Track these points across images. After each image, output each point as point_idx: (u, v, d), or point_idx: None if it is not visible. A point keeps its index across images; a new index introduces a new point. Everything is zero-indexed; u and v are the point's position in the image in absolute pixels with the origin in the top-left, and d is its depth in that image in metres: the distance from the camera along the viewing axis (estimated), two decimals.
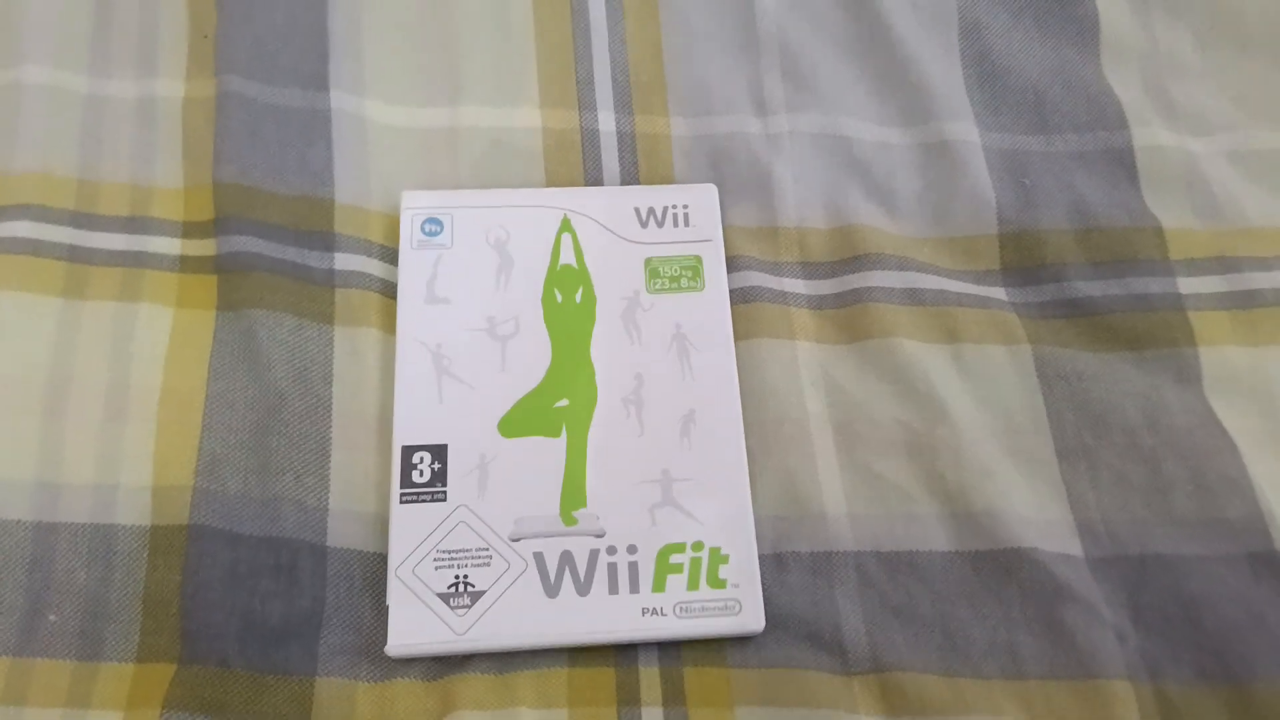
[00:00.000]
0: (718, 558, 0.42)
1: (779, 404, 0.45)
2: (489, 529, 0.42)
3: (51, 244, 0.46)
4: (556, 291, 0.47)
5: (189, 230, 0.47)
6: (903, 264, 0.48)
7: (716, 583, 0.42)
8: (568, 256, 0.47)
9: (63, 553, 0.41)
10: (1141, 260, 0.48)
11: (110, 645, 0.40)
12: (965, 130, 0.51)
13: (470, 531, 0.42)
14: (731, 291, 0.48)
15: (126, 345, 0.45)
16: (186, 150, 0.49)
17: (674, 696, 0.40)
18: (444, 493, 0.42)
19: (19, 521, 0.41)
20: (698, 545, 0.42)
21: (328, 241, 0.48)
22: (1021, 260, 0.49)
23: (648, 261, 0.47)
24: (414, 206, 0.48)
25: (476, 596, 0.41)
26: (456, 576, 0.41)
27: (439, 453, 0.43)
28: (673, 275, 0.47)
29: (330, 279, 0.47)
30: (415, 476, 0.43)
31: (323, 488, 0.43)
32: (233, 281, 0.46)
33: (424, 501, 0.42)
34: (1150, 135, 0.51)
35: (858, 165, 0.51)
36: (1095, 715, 0.39)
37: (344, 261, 0.47)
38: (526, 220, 0.48)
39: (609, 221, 0.48)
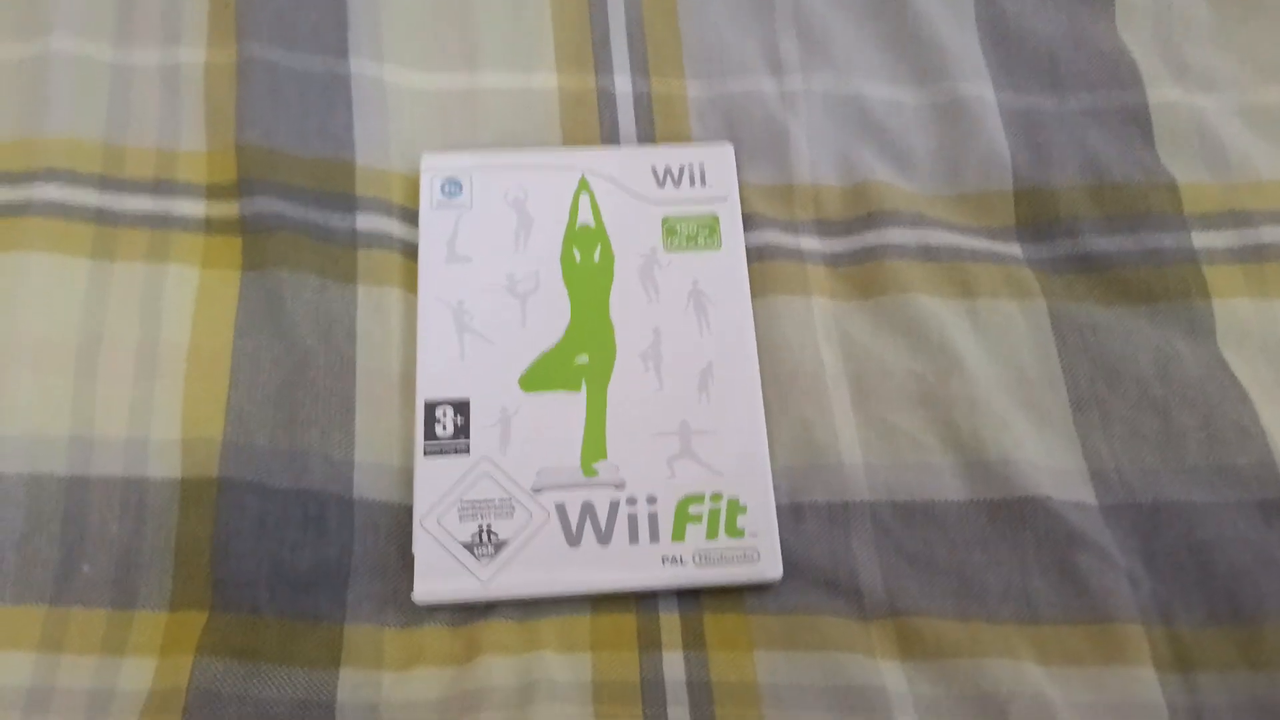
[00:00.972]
0: (736, 508, 0.43)
1: (794, 358, 0.46)
2: (511, 480, 0.43)
3: (80, 207, 0.47)
4: (575, 250, 0.47)
5: (213, 193, 0.48)
6: (917, 221, 0.48)
7: (735, 531, 0.42)
8: (585, 216, 0.48)
9: (96, 506, 0.42)
10: (1155, 215, 0.49)
11: (144, 594, 0.41)
12: (979, 89, 0.51)
13: (493, 483, 0.43)
14: (748, 249, 0.48)
15: (155, 305, 0.45)
16: (210, 115, 0.50)
17: (694, 641, 0.41)
18: (467, 445, 0.43)
19: (53, 475, 0.42)
20: (716, 496, 0.43)
21: (349, 203, 0.48)
22: (1036, 216, 0.49)
23: (665, 220, 0.48)
24: (434, 168, 0.48)
25: (500, 546, 0.42)
26: (480, 526, 0.42)
27: (461, 407, 0.44)
28: (690, 234, 0.48)
29: (353, 239, 0.48)
30: (439, 430, 0.43)
31: (348, 442, 0.44)
32: (257, 242, 0.47)
33: (447, 454, 0.43)
34: (1163, 93, 0.52)
35: (872, 124, 0.51)
36: (1108, 657, 0.40)
37: (365, 222, 0.48)
38: (544, 180, 0.48)
39: (626, 181, 0.49)
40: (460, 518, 0.42)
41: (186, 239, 0.47)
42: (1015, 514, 0.43)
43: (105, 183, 0.48)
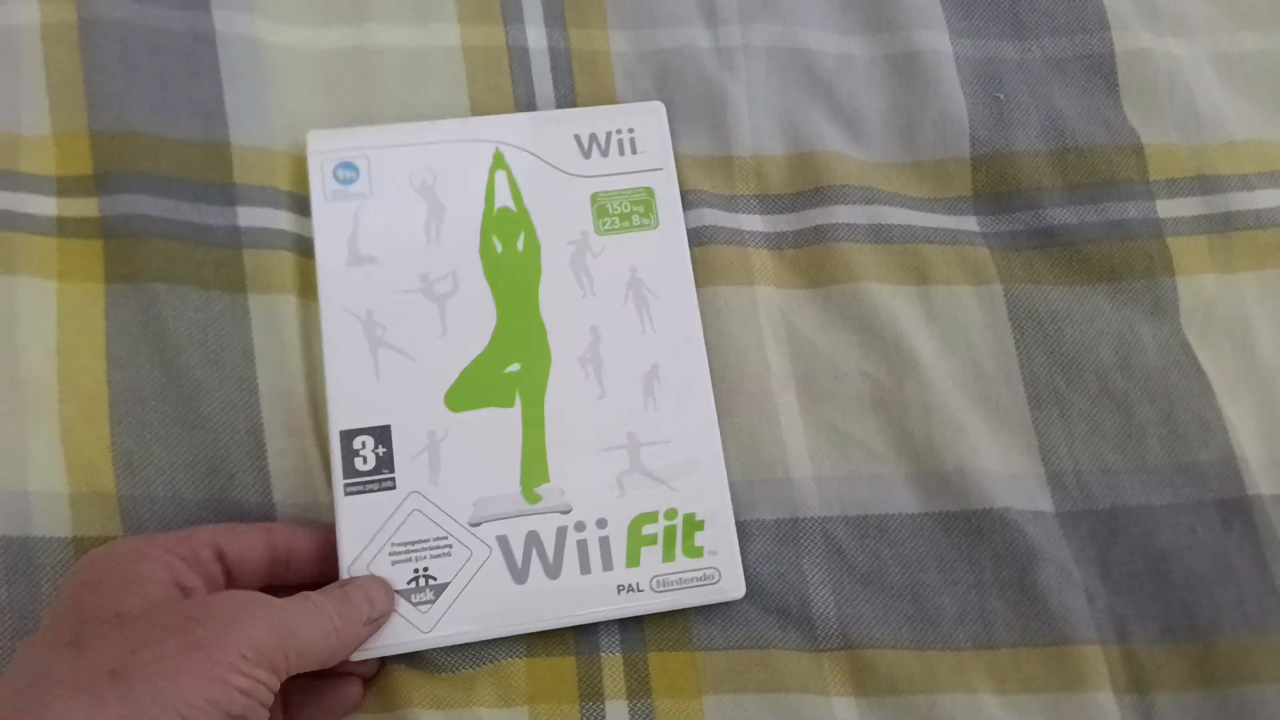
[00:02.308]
0: (693, 524, 0.40)
1: (739, 359, 0.42)
2: (446, 515, 0.39)
3: None
4: (495, 240, 0.42)
5: (64, 187, 0.41)
6: (868, 196, 0.44)
7: (693, 551, 0.39)
8: (504, 198, 0.42)
9: None
10: (1120, 183, 0.45)
11: None
12: (935, 39, 0.46)
13: (425, 520, 0.39)
14: (686, 232, 0.43)
15: (10, 330, 0.39)
16: (51, 88, 0.42)
17: (639, 687, 0.38)
18: (392, 480, 0.39)
19: None
20: (671, 513, 0.40)
21: (228, 194, 0.42)
22: (995, 186, 0.45)
23: (594, 198, 0.43)
24: (323, 149, 0.42)
25: (440, 590, 0.38)
26: (416, 570, 0.38)
27: (382, 435, 0.39)
28: (623, 212, 0.43)
29: (236, 239, 0.41)
30: (359, 464, 0.39)
31: (263, 483, 0.39)
32: (123, 249, 0.41)
33: (371, 491, 0.39)
34: (1132, 38, 0.47)
35: (819, 83, 0.46)
36: (1066, 682, 0.39)
37: (249, 217, 0.42)
38: (454, 157, 0.42)
39: (547, 153, 0.43)
40: (393, 562, 0.38)
41: (37, 244, 0.40)
42: (972, 527, 0.41)
43: None
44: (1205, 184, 0.46)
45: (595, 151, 0.43)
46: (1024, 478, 0.41)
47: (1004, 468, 0.41)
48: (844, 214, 0.44)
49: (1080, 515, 0.41)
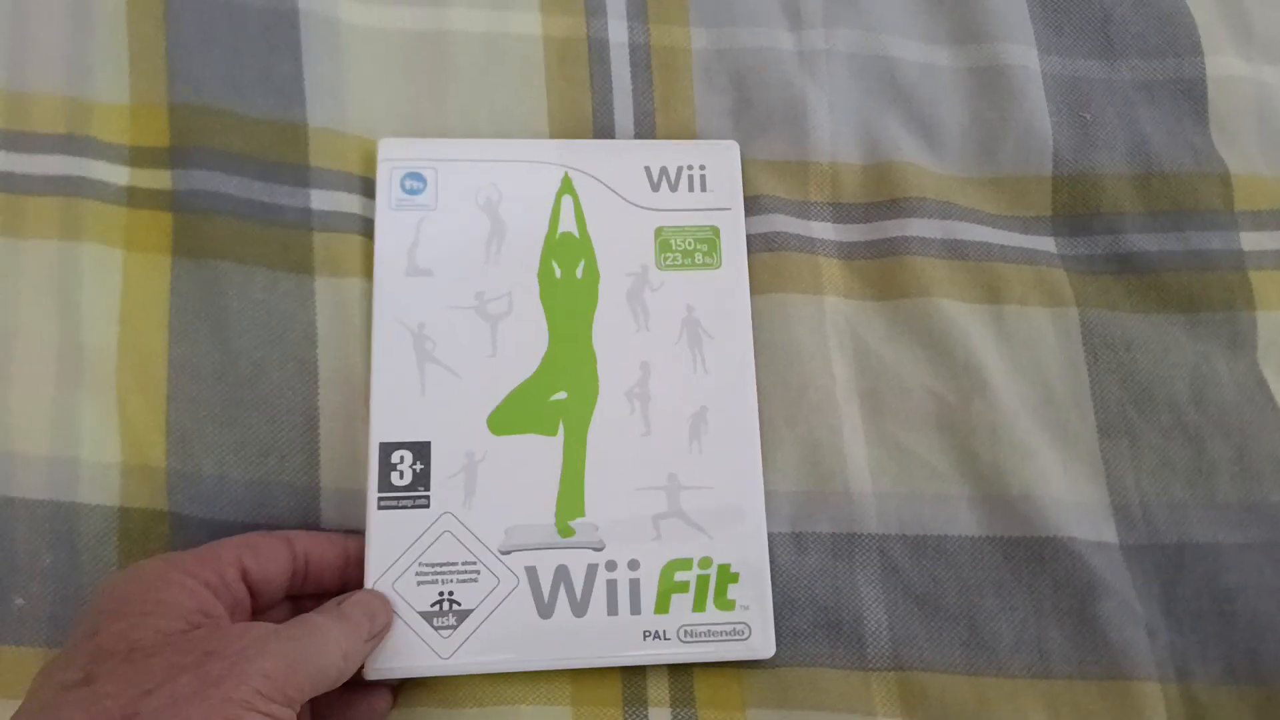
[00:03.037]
0: (727, 575, 0.39)
1: (804, 368, 0.41)
2: (476, 540, 0.38)
3: None
4: (555, 265, 0.41)
5: (137, 157, 0.41)
6: (944, 210, 0.43)
7: (725, 604, 0.38)
8: (568, 223, 0.42)
9: (23, 532, 0.37)
10: (1204, 212, 0.44)
11: None
12: (1023, 54, 0.45)
13: (456, 542, 0.38)
14: (753, 237, 0.43)
15: (74, 296, 0.39)
16: (133, 59, 0.42)
17: (683, 698, 0.38)
18: (426, 498, 0.38)
19: None
20: (705, 561, 0.39)
21: (302, 175, 0.41)
22: (1075, 207, 0.44)
23: (658, 232, 0.42)
24: (393, 158, 0.41)
25: (463, 616, 0.37)
26: (441, 593, 0.37)
27: (421, 452, 0.39)
28: (686, 249, 0.42)
29: (307, 220, 0.41)
30: (395, 479, 0.38)
31: (312, 466, 0.39)
32: (193, 225, 0.40)
33: (404, 508, 0.38)
34: (1224, 64, 0.46)
35: (900, 92, 0.45)
36: (1123, 717, 0.37)
37: (322, 199, 0.41)
38: (521, 178, 0.42)
39: (615, 183, 0.42)
40: (419, 582, 0.37)
41: (104, 211, 0.40)
42: (1034, 555, 0.39)
43: (9, 139, 0.40)
44: None
45: (665, 185, 0.42)
46: (1089, 507, 0.40)
47: (1070, 496, 0.40)
48: (918, 227, 0.43)
49: (1145, 549, 0.40)
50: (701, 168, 0.43)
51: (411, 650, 0.37)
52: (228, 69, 0.42)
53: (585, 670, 0.38)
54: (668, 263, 0.42)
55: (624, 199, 0.42)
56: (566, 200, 0.42)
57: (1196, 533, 0.40)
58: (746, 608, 0.38)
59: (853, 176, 0.44)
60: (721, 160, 0.43)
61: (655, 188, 0.42)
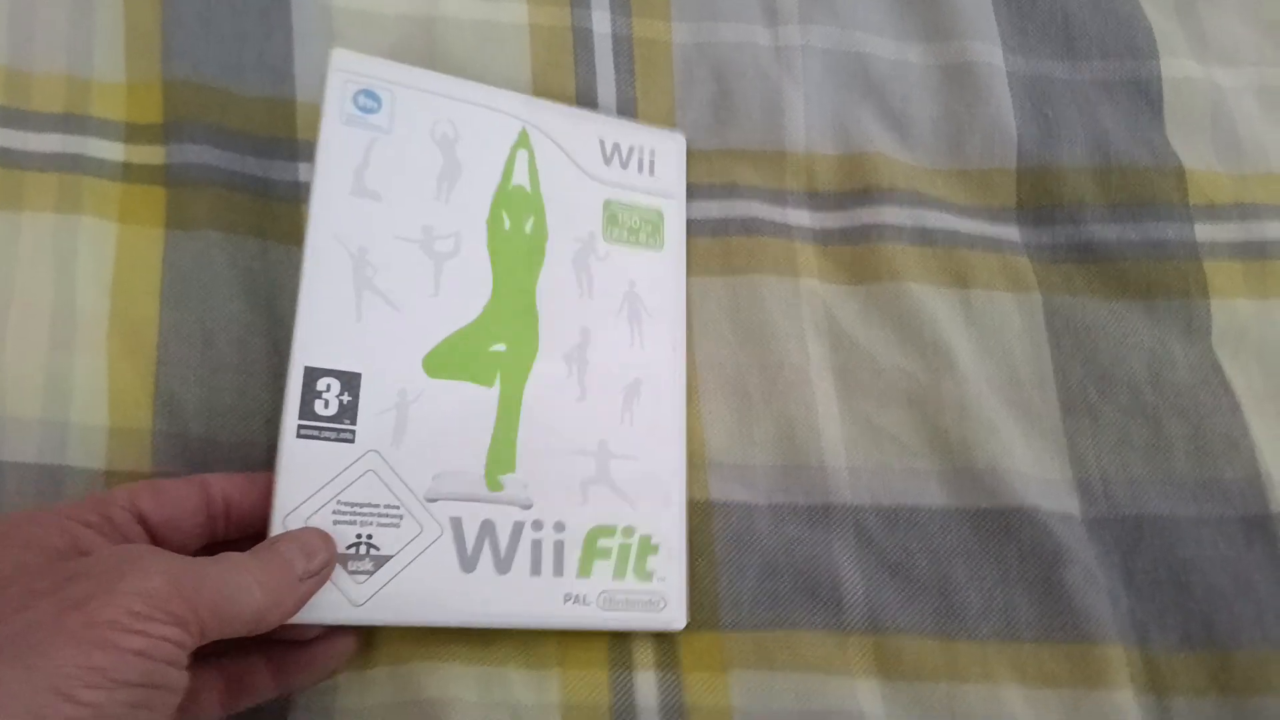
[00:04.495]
0: (647, 547, 0.39)
1: (780, 347, 0.42)
2: (402, 483, 0.35)
3: None
4: (505, 215, 0.40)
5: (133, 134, 0.42)
6: (915, 199, 0.46)
7: (643, 574, 0.38)
8: (521, 177, 0.41)
9: (10, 495, 0.36)
10: (1160, 204, 0.47)
11: None
12: (989, 52, 0.48)
13: (379, 483, 0.35)
14: (730, 221, 0.44)
15: (69, 264, 0.39)
16: (129, 38, 0.43)
17: (668, 660, 0.38)
18: (352, 432, 0.35)
19: None
20: (628, 530, 0.39)
21: (291, 150, 0.42)
22: (1038, 199, 0.47)
23: (607, 204, 0.42)
24: (347, 69, 0.39)
25: (381, 562, 0.34)
26: (359, 535, 0.34)
27: (350, 382, 0.36)
28: (632, 226, 0.42)
29: (295, 193, 0.42)
30: (319, 407, 0.35)
31: None
32: (185, 197, 0.41)
33: (327, 439, 0.35)
34: (1179, 66, 0.49)
35: (873, 87, 0.48)
36: (1086, 679, 0.39)
37: (311, 172, 0.39)
38: (480, 122, 0.40)
39: (570, 147, 0.42)
40: (335, 521, 0.34)
41: (101, 186, 0.41)
42: (1001, 525, 0.41)
43: (8, 116, 0.41)
44: (1243, 211, 0.47)
45: (616, 161, 0.43)
46: (1053, 481, 0.42)
47: (1034, 470, 0.42)
48: (891, 215, 0.45)
49: (1106, 521, 0.42)
50: (651, 152, 0.44)
51: (322, 594, 0.33)
52: (222, 49, 0.43)
53: (571, 632, 0.37)
54: (614, 236, 0.42)
55: (577, 165, 0.42)
56: (521, 154, 0.41)
57: (1154, 507, 0.42)
58: (664, 579, 0.39)
59: (827, 167, 0.46)
60: (669, 149, 0.44)
61: (607, 161, 0.43)
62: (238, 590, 0.29)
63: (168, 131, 0.42)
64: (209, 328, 0.39)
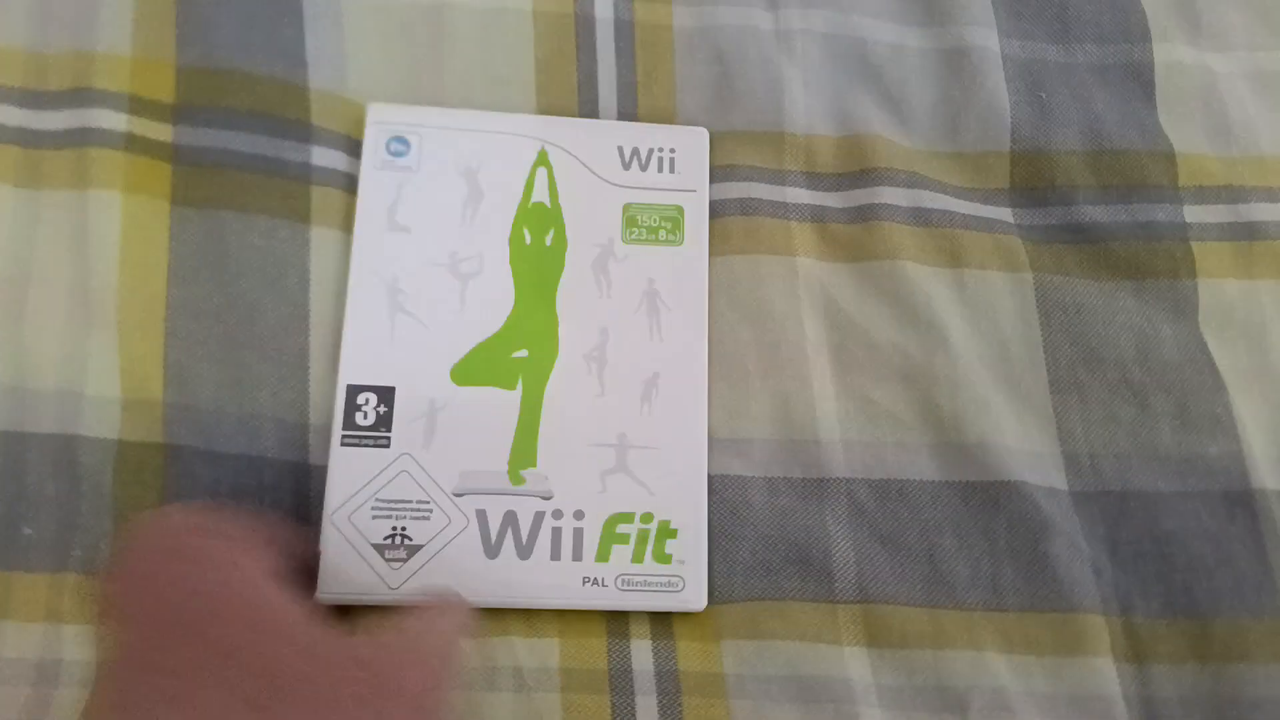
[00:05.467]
0: (666, 531, 0.41)
1: (777, 325, 0.44)
2: (432, 481, 0.40)
3: (1, 127, 0.42)
4: (526, 231, 0.44)
5: (137, 106, 0.43)
6: (911, 180, 0.46)
7: (662, 557, 0.40)
8: (541, 194, 0.44)
9: (33, 464, 0.39)
10: (1150, 186, 0.47)
11: (82, 560, 0.39)
12: (985, 36, 0.48)
13: (412, 482, 0.40)
14: (730, 201, 0.45)
15: (82, 238, 0.41)
16: (139, 15, 0.44)
17: (662, 630, 0.40)
18: (388, 439, 0.40)
19: None
20: (647, 516, 0.41)
21: (304, 133, 0.44)
22: (1031, 180, 0.47)
23: (626, 208, 0.44)
24: (381, 121, 0.44)
25: (413, 550, 0.39)
26: (394, 528, 0.40)
27: (386, 395, 0.41)
28: (651, 225, 0.44)
29: (307, 174, 0.43)
30: (359, 419, 0.40)
31: (302, 403, 0.41)
32: (196, 177, 0.42)
33: (366, 446, 0.40)
34: (1171, 50, 0.49)
35: (872, 69, 0.48)
36: (1069, 647, 0.40)
37: (322, 156, 0.44)
38: (501, 150, 0.44)
39: (589, 159, 0.45)
40: (374, 516, 0.40)
41: (105, 156, 0.42)
42: (989, 498, 0.42)
43: (27, 97, 0.43)
44: (1232, 194, 0.47)
45: (635, 164, 0.45)
46: (1041, 456, 0.43)
47: (1023, 445, 0.43)
48: (887, 195, 0.46)
49: (1092, 495, 0.43)
50: (672, 150, 0.45)
51: (363, 579, 0.39)
52: (235, 34, 0.44)
53: (573, 609, 0.40)
54: (632, 237, 0.44)
55: (596, 175, 0.45)
56: (541, 172, 0.44)
57: (1139, 481, 0.43)
58: (683, 562, 0.40)
59: (826, 148, 0.47)
60: (691, 144, 0.45)
61: (626, 166, 0.45)
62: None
63: (180, 113, 0.43)
64: (218, 304, 0.41)
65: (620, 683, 0.39)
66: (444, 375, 0.41)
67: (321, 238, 0.43)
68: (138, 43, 0.44)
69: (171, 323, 0.41)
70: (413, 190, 0.43)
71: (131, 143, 0.42)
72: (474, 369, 0.42)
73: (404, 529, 0.40)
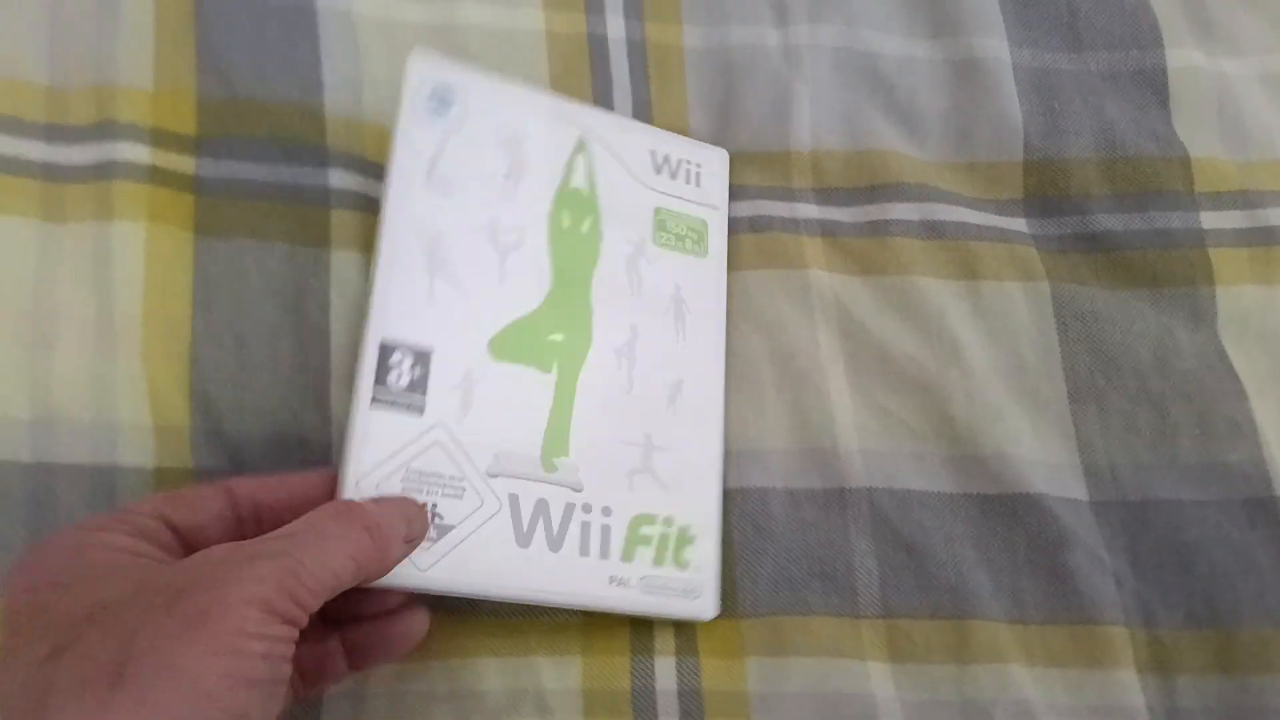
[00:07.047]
0: (684, 538, 0.40)
1: (792, 337, 0.44)
2: (466, 457, 0.37)
3: (25, 161, 0.41)
4: (565, 214, 0.42)
5: (160, 139, 0.42)
6: (923, 194, 0.46)
7: (680, 562, 0.40)
8: (580, 180, 0.43)
9: (64, 495, 0.37)
10: (1166, 193, 0.47)
11: None
12: (995, 46, 0.49)
13: (445, 456, 0.37)
14: (741, 220, 0.46)
15: (106, 269, 0.40)
16: (160, 46, 0.43)
17: (686, 646, 0.39)
18: (423, 404, 0.37)
19: (16, 463, 0.37)
20: (668, 520, 0.40)
21: (320, 157, 0.43)
22: (1045, 190, 0.47)
23: (657, 211, 0.44)
24: (424, 70, 0.40)
25: (445, 531, 0.36)
26: (426, 505, 0.36)
27: (422, 357, 0.37)
28: (679, 233, 0.45)
29: (325, 199, 0.43)
30: (392, 379, 0.36)
31: (325, 424, 0.40)
32: (217, 207, 0.42)
33: (399, 409, 0.36)
34: (1184, 56, 0.49)
35: (881, 83, 0.48)
36: (1091, 659, 0.40)
37: (339, 179, 0.43)
38: (542, 128, 0.42)
39: (624, 156, 0.44)
40: (404, 489, 0.35)
41: (128, 189, 0.41)
42: (1008, 510, 0.42)
43: (51, 132, 0.42)
44: (1249, 199, 0.47)
45: (665, 171, 0.45)
46: (1060, 467, 0.43)
47: (1041, 456, 0.43)
48: (900, 210, 0.46)
49: (1112, 506, 0.43)
50: (697, 165, 0.46)
51: None
52: (252, 62, 0.44)
53: (594, 621, 0.39)
54: (663, 241, 0.44)
55: (630, 173, 0.44)
56: (580, 159, 0.43)
57: (1160, 491, 0.43)
58: (699, 569, 0.40)
59: (835, 163, 0.47)
60: (713, 162, 0.47)
61: (658, 171, 0.45)
62: (338, 560, 0.29)
63: (201, 145, 0.42)
64: (239, 330, 0.40)
65: (643, 704, 0.38)
66: (482, 346, 0.38)
67: (340, 261, 0.42)
68: (159, 75, 0.43)
69: (195, 349, 0.40)
70: (455, 148, 0.40)
71: (154, 175, 0.41)
72: (513, 344, 0.39)
73: (435, 506, 0.36)
